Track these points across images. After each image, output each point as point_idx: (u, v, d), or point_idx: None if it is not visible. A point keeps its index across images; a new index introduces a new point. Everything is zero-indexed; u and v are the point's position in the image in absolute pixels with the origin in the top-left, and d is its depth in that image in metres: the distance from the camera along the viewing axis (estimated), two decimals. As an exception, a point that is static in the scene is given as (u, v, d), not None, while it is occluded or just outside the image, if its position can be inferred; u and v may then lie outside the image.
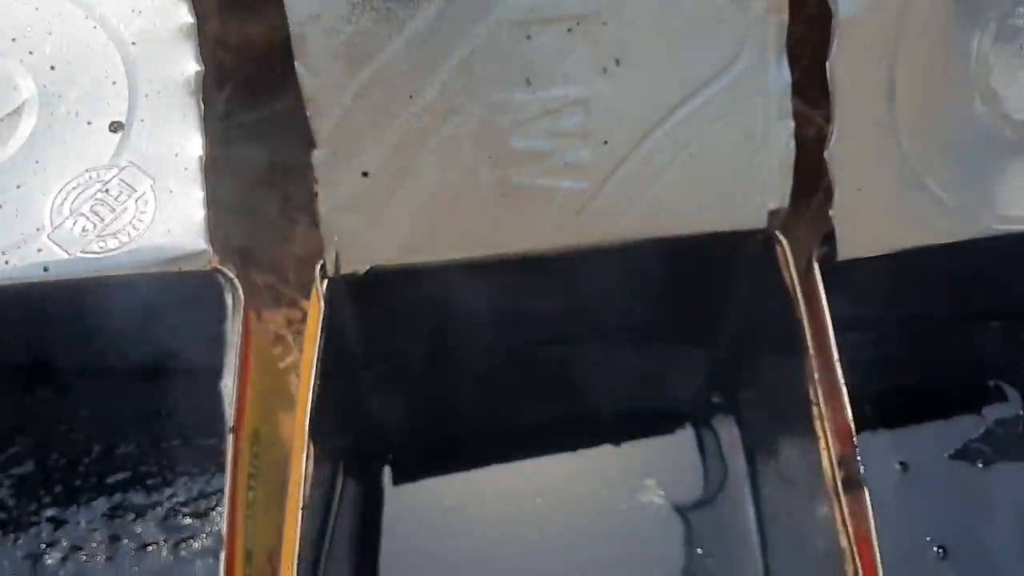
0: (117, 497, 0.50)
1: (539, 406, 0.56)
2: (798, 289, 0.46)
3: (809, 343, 0.44)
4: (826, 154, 0.44)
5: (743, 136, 0.44)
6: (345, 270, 0.43)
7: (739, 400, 0.56)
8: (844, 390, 0.43)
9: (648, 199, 0.44)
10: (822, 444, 0.43)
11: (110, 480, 0.51)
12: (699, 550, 0.52)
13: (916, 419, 0.56)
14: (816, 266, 0.46)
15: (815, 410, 0.43)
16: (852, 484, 0.42)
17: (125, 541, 0.49)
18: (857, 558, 0.40)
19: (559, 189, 0.44)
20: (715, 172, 0.44)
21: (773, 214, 0.46)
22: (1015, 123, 0.46)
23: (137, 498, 0.50)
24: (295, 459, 0.41)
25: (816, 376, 0.44)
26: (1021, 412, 0.56)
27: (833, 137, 0.44)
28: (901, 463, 0.55)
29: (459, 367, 0.54)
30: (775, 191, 0.45)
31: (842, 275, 0.46)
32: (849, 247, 0.45)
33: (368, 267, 0.43)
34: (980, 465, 0.55)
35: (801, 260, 0.46)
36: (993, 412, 0.56)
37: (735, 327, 0.53)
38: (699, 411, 0.56)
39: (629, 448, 0.55)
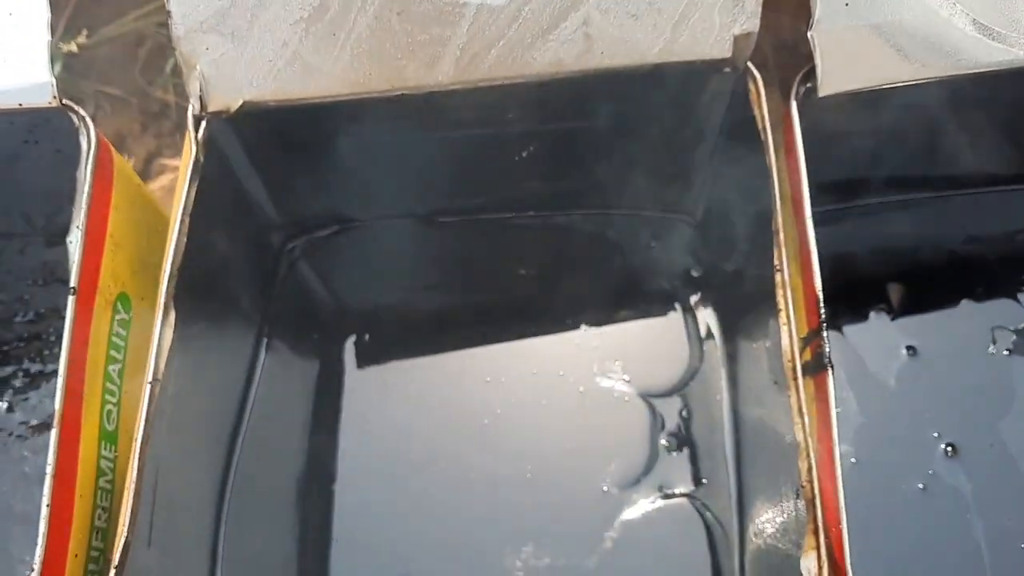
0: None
1: (496, 279, 0.48)
2: (769, 137, 0.36)
3: (777, 200, 0.36)
4: (803, -42, 0.34)
5: (698, -63, 0.35)
6: (213, 107, 0.35)
7: (718, 275, 0.47)
8: (814, 254, 0.35)
9: (579, 19, 0.35)
10: (783, 318, 0.34)
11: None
12: (664, 441, 0.44)
13: (930, 298, 0.47)
14: (794, 106, 0.37)
15: (778, 277, 0.35)
16: (815, 366, 0.34)
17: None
18: (812, 454, 0.32)
19: (468, 6, 0.35)
20: (664, -15, 0.35)
21: (740, 40, 0.36)
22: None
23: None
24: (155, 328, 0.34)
25: (782, 237, 0.35)
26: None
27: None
28: (909, 347, 0.46)
29: (398, 236, 0.47)
30: (741, 11, 0.36)
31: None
32: (833, 79, 0.36)
33: (240, 102, 0.36)
34: (1006, 352, 0.46)
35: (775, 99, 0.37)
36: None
37: (706, 185, 0.44)
38: (677, 288, 0.48)
39: (597, 328, 0.47)
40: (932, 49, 0.36)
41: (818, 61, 0.36)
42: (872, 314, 0.47)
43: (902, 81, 0.36)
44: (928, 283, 0.47)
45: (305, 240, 0.47)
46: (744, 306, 0.45)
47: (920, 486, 0.43)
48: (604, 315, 0.47)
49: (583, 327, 0.47)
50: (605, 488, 0.43)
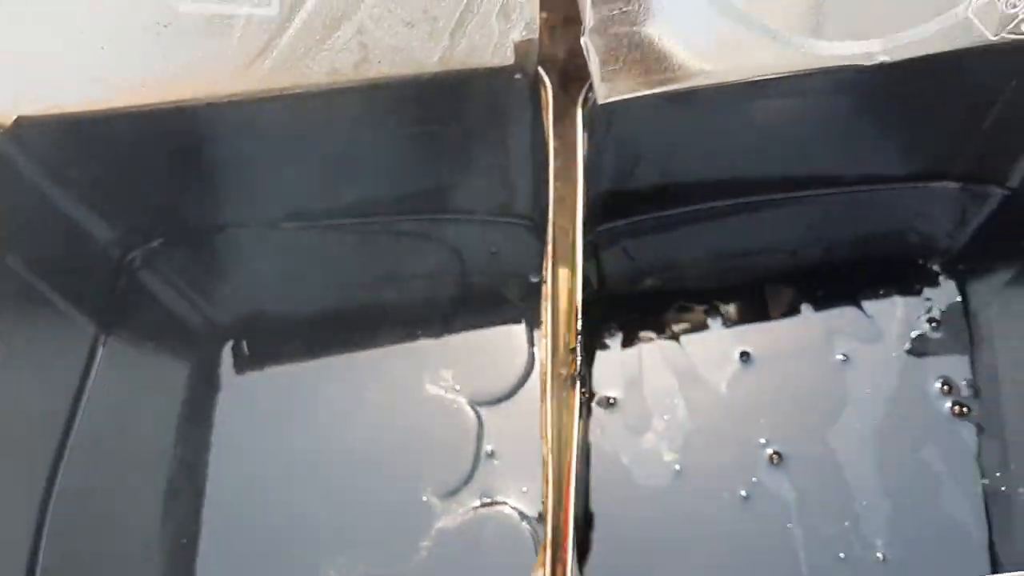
0: None
1: (346, 286, 0.48)
2: (551, 143, 0.35)
3: (551, 209, 0.35)
4: (570, -36, 0.33)
5: (469, -56, 0.34)
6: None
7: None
8: (579, 266, 0.34)
9: (353, 29, 0.35)
10: (544, 331, 0.33)
11: None
12: (488, 447, 0.44)
13: (768, 303, 0.46)
14: (580, 113, 0.36)
15: (543, 289, 0.34)
16: (571, 381, 0.33)
17: None
18: (550, 470, 0.31)
19: (237, 18, 0.34)
20: (436, -7, 0.34)
21: (521, 47, 0.35)
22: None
23: None
24: None
25: (551, 248, 0.34)
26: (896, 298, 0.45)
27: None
28: (743, 353, 0.45)
29: (246, 245, 0.47)
30: (519, 16, 0.35)
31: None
32: (610, 86, 0.35)
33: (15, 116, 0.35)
34: (841, 358, 0.44)
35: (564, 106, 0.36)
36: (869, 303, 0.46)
37: (534, 189, 0.43)
38: (514, 296, 0.47)
39: (434, 336, 0.46)
40: (711, 54, 0.35)
41: (594, 70, 0.35)
42: (709, 320, 0.46)
43: (683, 86, 0.35)
44: (767, 288, 0.46)
45: (145, 250, 0.47)
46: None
47: (743, 494, 0.42)
48: (440, 323, 0.46)
49: (420, 335, 0.46)
50: (425, 498, 0.43)
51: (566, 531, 0.31)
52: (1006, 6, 0.35)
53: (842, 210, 0.47)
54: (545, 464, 0.31)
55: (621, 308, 0.46)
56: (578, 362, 0.32)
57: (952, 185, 0.46)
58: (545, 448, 0.32)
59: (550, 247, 0.34)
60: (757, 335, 0.45)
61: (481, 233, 0.46)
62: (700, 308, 0.46)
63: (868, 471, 0.43)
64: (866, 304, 0.46)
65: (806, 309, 0.46)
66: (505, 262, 0.47)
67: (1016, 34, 0.36)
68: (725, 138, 0.42)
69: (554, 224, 0.35)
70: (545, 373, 0.32)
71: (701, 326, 0.45)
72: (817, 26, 0.35)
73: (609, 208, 0.45)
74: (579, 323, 0.33)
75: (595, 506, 0.42)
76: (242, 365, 0.48)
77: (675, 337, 0.45)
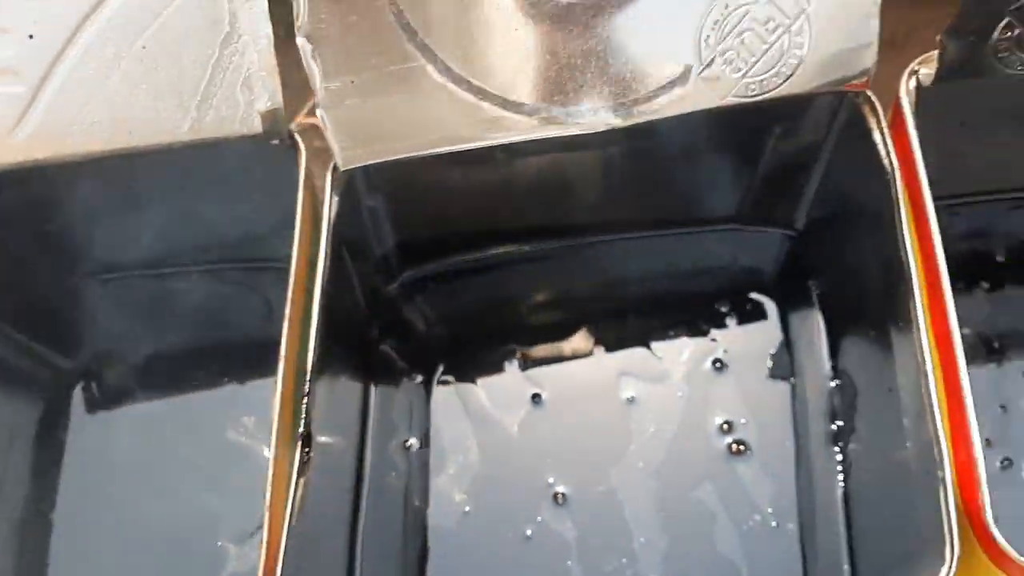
0: None
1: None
2: (299, 206, 0.37)
3: (293, 267, 0.36)
4: (298, 40, 0.34)
5: (206, 22, 0.35)
6: None
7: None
8: (315, 322, 0.35)
9: (102, 102, 0.36)
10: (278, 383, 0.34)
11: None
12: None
13: (562, 347, 0.47)
14: (329, 178, 0.37)
15: (280, 349, 0.35)
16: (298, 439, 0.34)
17: None
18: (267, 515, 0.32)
19: (-10, 94, 0.36)
20: (179, 67, 0.36)
21: (267, 116, 0.37)
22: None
23: None
24: None
25: (288, 309, 0.35)
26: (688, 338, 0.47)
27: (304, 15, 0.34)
28: (535, 395, 0.46)
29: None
30: (262, 87, 0.36)
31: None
32: (351, 155, 0.36)
33: None
34: (628, 399, 0.46)
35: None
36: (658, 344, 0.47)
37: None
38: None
39: (237, 383, 0.47)
40: (438, 121, 0.36)
41: (331, 140, 0.36)
42: (505, 364, 0.47)
43: (419, 153, 0.36)
44: (561, 331, 0.47)
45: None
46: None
47: (527, 533, 0.44)
48: (247, 370, 0.47)
49: (227, 382, 0.47)
50: (220, 543, 0.44)
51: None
52: (730, 72, 0.36)
53: (637, 255, 0.48)
54: (263, 525, 0.33)
55: (422, 353, 0.47)
56: (302, 422, 0.34)
57: (740, 229, 0.47)
58: (264, 507, 0.33)
59: (288, 307, 0.35)
60: (550, 377, 0.47)
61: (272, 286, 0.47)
62: (496, 352, 0.47)
63: (647, 509, 0.44)
64: (655, 346, 0.47)
65: (598, 351, 0.47)
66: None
67: (741, 97, 0.37)
68: (507, 190, 0.43)
69: (296, 283, 0.36)
70: (272, 433, 0.34)
71: (496, 369, 0.47)
72: (561, 96, 0.36)
73: (408, 255, 0.46)
74: (307, 385, 0.34)
75: (385, 546, 0.44)
76: (92, 406, 0.49)
77: (472, 380, 0.47)
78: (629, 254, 0.48)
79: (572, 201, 0.46)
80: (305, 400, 0.34)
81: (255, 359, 0.47)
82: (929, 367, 0.34)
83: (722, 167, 0.45)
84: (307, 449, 0.33)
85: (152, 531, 0.45)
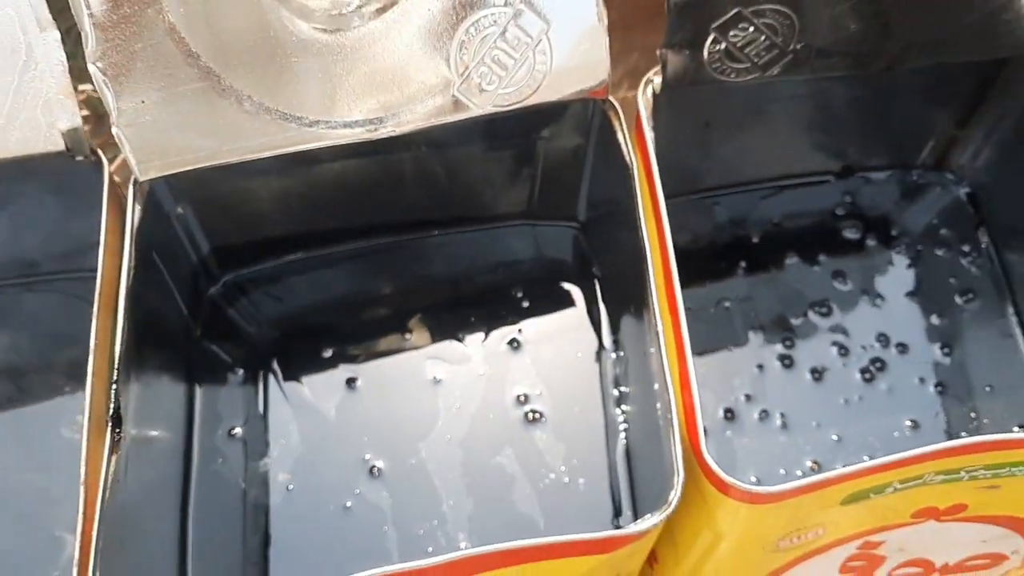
0: None
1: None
2: (103, 220, 0.39)
3: (100, 270, 0.38)
4: (90, 67, 0.37)
5: (3, 52, 0.37)
6: None
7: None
8: (121, 315, 0.37)
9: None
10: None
11: None
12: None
13: (371, 333, 0.50)
14: (131, 190, 0.40)
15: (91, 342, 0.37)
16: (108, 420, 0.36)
17: None
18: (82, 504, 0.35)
19: None
20: (-18, 91, 0.38)
21: (69, 135, 0.39)
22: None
23: None
24: None
25: (96, 305, 0.38)
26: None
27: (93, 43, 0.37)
28: (349, 380, 0.49)
29: None
30: (61, 110, 0.39)
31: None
32: (149, 167, 0.39)
33: None
34: (432, 379, 0.49)
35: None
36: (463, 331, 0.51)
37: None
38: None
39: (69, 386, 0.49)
40: (226, 135, 0.39)
41: (127, 154, 0.38)
42: (322, 354, 0.50)
43: (207, 164, 0.39)
44: (375, 322, 0.51)
45: None
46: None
47: (347, 505, 0.47)
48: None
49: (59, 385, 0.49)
50: (57, 533, 0.45)
51: (87, 560, 0.34)
52: (485, 84, 0.40)
53: (440, 252, 0.52)
54: (80, 496, 0.35)
55: (247, 349, 0.50)
56: (112, 406, 0.36)
57: (532, 224, 0.52)
58: (80, 485, 0.35)
59: (96, 315, 0.38)
60: (364, 364, 0.50)
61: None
62: (314, 344, 0.50)
63: (454, 476, 0.48)
64: (460, 332, 0.51)
65: (407, 339, 0.50)
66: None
67: (501, 106, 0.41)
68: (309, 194, 0.47)
69: (103, 292, 0.38)
70: (84, 418, 0.36)
71: (315, 360, 0.50)
72: (323, 107, 0.39)
73: (226, 259, 0.49)
74: (115, 373, 0.37)
75: (215, 527, 0.46)
76: None
77: (292, 371, 0.50)
78: (433, 251, 0.51)
79: (373, 203, 0.49)
80: (114, 387, 0.36)
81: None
82: (661, 335, 0.39)
83: (505, 169, 0.49)
84: (117, 430, 0.36)
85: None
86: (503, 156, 0.48)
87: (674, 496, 0.35)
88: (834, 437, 0.49)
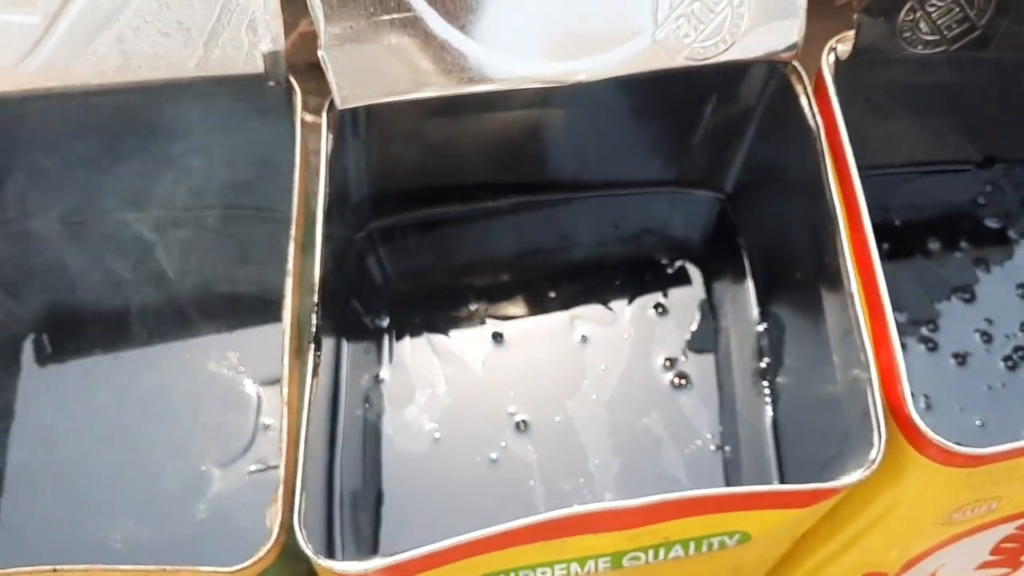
0: None
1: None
2: (297, 147, 0.38)
3: (295, 204, 0.37)
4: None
5: (217, -36, 0.37)
6: None
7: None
8: (319, 249, 0.36)
9: (113, 36, 0.37)
10: (285, 307, 0.36)
11: None
12: (265, 421, 0.46)
13: (519, 293, 0.49)
14: (325, 119, 0.39)
15: (288, 278, 0.36)
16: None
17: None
18: (284, 432, 0.34)
19: (4, 24, 0.36)
20: (189, 7, 0.37)
21: (269, 58, 0.38)
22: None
23: None
24: None
25: (293, 242, 0.37)
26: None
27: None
28: (496, 334, 0.48)
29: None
30: (265, 30, 0.38)
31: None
32: (350, 95, 0.38)
33: None
34: (580, 339, 0.48)
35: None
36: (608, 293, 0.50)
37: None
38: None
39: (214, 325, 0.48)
40: (434, 70, 0.38)
41: (331, 80, 0.38)
42: (467, 308, 0.49)
43: (411, 96, 0.38)
44: (522, 281, 0.50)
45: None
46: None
47: (493, 457, 0.46)
48: (225, 313, 0.48)
49: (202, 326, 0.48)
50: (203, 468, 0.44)
51: (290, 474, 0.33)
52: (681, 36, 0.40)
53: (589, 213, 0.51)
54: (281, 417, 0.34)
55: (396, 298, 0.49)
56: (314, 330, 0.35)
57: (677, 191, 0.51)
58: (282, 404, 0.34)
59: (292, 241, 0.37)
60: (509, 320, 0.49)
61: (253, 227, 0.48)
62: (458, 298, 0.49)
63: (601, 435, 0.47)
64: (605, 295, 0.50)
65: (552, 298, 0.50)
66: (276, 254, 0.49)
67: (693, 60, 0.40)
68: (474, 145, 0.46)
69: (299, 219, 0.37)
70: (284, 342, 0.35)
71: (459, 313, 0.49)
72: (524, 47, 0.39)
73: (379, 206, 0.48)
74: (316, 296, 0.36)
75: (362, 474, 0.45)
76: (43, 358, 0.48)
77: (436, 323, 0.49)
78: (580, 212, 0.51)
79: (531, 159, 0.48)
80: (316, 310, 0.35)
81: (233, 302, 0.48)
82: (855, 291, 0.38)
83: (664, 133, 0.48)
84: (318, 353, 0.35)
85: (127, 463, 0.45)
86: (667, 120, 0.47)
87: (877, 454, 0.35)
88: (977, 422, 0.48)
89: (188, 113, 0.40)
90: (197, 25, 0.37)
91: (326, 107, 0.39)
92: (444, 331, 0.48)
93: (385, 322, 0.48)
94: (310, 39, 0.40)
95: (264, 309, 0.47)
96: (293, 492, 0.33)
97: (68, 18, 0.36)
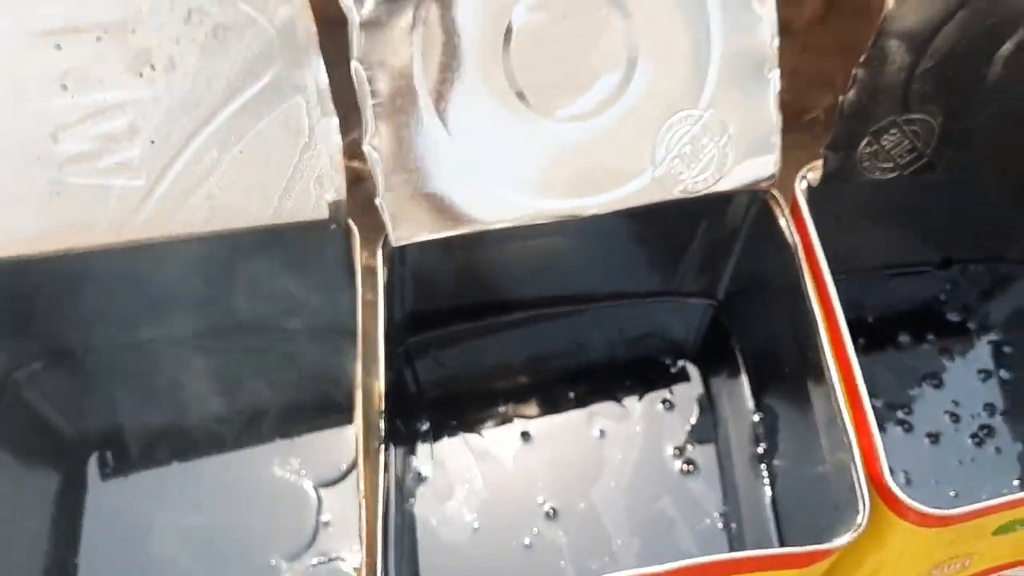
0: None
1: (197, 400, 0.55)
2: (358, 279, 0.45)
3: (360, 326, 0.44)
4: (365, 147, 0.44)
5: (290, 133, 0.44)
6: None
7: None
8: (382, 366, 0.43)
9: (204, 194, 0.44)
10: (356, 417, 0.42)
11: None
12: (324, 519, 0.51)
13: (545, 396, 0.56)
14: (380, 254, 0.46)
15: (357, 392, 0.43)
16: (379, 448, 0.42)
17: None
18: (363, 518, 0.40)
19: (113, 187, 0.43)
20: (267, 167, 0.44)
21: (332, 206, 0.45)
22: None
23: None
24: None
25: (359, 360, 0.43)
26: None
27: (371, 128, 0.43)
28: (524, 433, 0.55)
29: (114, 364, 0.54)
30: (330, 183, 0.45)
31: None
32: (400, 233, 0.45)
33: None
34: (597, 434, 0.55)
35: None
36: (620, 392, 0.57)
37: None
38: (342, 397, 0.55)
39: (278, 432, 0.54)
40: (475, 208, 0.45)
41: (386, 220, 0.45)
42: (497, 411, 0.56)
43: (458, 232, 0.46)
44: (542, 383, 0.57)
45: (27, 371, 0.53)
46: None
47: (527, 542, 0.51)
48: (285, 422, 0.54)
49: (268, 432, 0.54)
50: (273, 562, 0.50)
51: (371, 550, 0.39)
52: (676, 174, 0.47)
53: (600, 321, 0.58)
54: (360, 508, 0.40)
55: (432, 404, 0.55)
56: (382, 436, 0.41)
57: (677, 300, 0.58)
58: (359, 498, 0.40)
59: (359, 358, 0.43)
60: (535, 419, 0.55)
61: (313, 347, 0.55)
62: (491, 400, 0.55)
63: (621, 518, 0.52)
64: (617, 393, 0.56)
65: (571, 398, 0.56)
66: (333, 370, 0.56)
67: (687, 192, 0.48)
68: (499, 268, 0.53)
69: (364, 339, 0.44)
70: (358, 445, 0.41)
71: (490, 416, 0.55)
72: (546, 188, 0.46)
73: (416, 323, 0.54)
74: (382, 406, 0.42)
75: (410, 564, 0.50)
76: (107, 474, 0.54)
77: (470, 425, 0.55)
78: (591, 321, 0.58)
79: (547, 278, 0.55)
80: (382, 416, 0.42)
81: (293, 413, 0.54)
82: (836, 383, 0.45)
83: (662, 251, 0.56)
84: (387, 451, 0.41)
85: (197, 553, 0.50)
86: (664, 240, 0.55)
87: (862, 519, 0.41)
88: (952, 493, 0.54)
89: (263, 252, 0.47)
90: (274, 182, 0.44)
91: (380, 244, 0.46)
92: (477, 431, 0.55)
93: (424, 426, 0.55)
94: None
95: (321, 418, 0.53)
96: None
97: (167, 181, 0.44)
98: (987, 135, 0.50)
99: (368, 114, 0.43)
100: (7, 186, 0.43)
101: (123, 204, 0.44)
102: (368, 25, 0.42)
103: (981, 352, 0.59)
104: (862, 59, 0.46)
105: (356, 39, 0.42)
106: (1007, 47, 0.47)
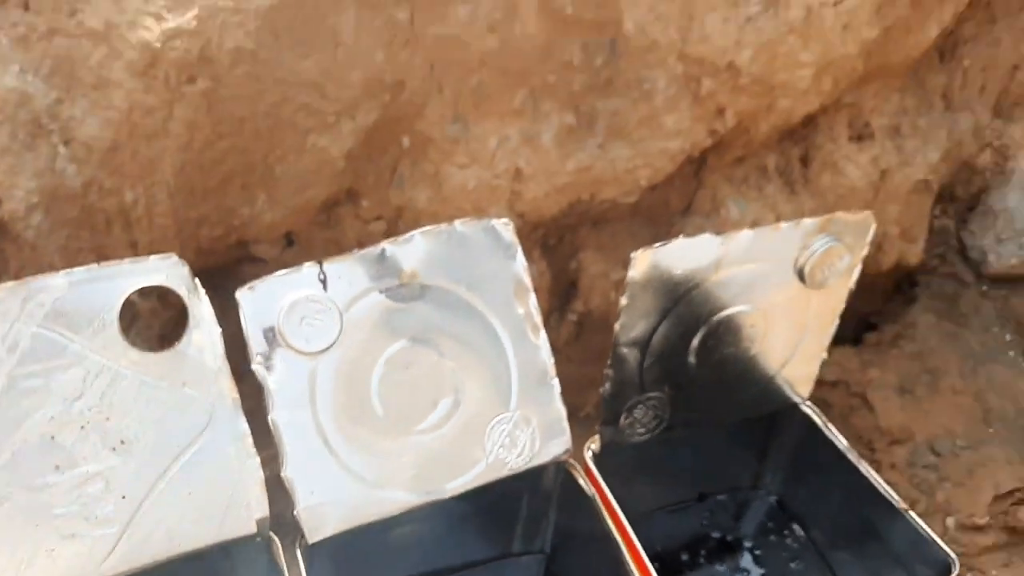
0: None
1: None
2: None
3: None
4: (282, 475, 0.60)
5: (225, 472, 0.60)
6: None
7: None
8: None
9: (164, 531, 0.58)
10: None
11: None
12: None
13: None
14: (299, 552, 0.61)
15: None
16: None
17: None
18: None
19: (94, 537, 0.57)
20: (211, 500, 0.59)
21: (261, 522, 0.61)
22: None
23: None
24: None
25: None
26: None
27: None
28: None
29: None
30: (258, 505, 0.61)
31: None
32: (314, 533, 0.61)
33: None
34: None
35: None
36: None
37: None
38: None
39: None
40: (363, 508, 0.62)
41: (304, 527, 0.60)
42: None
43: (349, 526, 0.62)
44: None
45: None
46: None
47: None
48: None
49: None
50: None
51: None
52: (503, 458, 0.67)
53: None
54: None
55: None
56: None
57: (515, 560, 0.75)
58: None
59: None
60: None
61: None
62: None
63: None
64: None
65: None
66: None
67: (512, 471, 0.67)
68: (384, 553, 0.69)
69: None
70: None
71: None
72: (412, 484, 0.64)
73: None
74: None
75: None
76: None
77: None
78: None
79: (415, 556, 0.71)
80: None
81: None
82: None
83: (496, 519, 0.74)
84: None
85: None
86: (496, 510, 0.73)
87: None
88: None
89: (204, 562, 0.61)
90: (217, 510, 0.59)
91: (298, 542, 0.61)
92: None
93: None
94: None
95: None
96: None
97: (136, 526, 0.57)
98: (702, 401, 0.74)
99: (283, 450, 0.61)
100: (16, 552, 0.55)
101: (96, 550, 0.57)
102: (277, 388, 0.61)
103: (740, 558, 0.79)
104: (608, 363, 0.69)
105: (269, 398, 0.61)
106: (695, 341, 0.73)
